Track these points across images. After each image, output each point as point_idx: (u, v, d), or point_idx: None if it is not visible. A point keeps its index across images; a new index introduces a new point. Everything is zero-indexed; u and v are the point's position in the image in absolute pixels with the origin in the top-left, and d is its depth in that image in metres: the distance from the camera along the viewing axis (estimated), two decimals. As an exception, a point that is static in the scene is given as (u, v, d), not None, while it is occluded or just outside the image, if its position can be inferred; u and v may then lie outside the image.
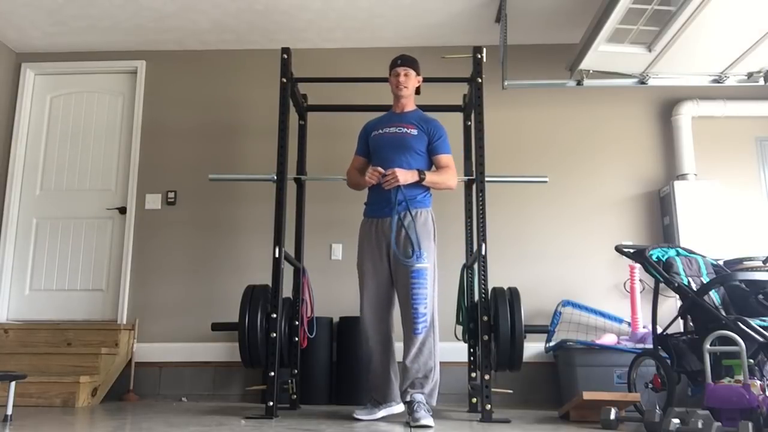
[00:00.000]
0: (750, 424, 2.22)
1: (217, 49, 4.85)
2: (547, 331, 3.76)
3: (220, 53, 4.86)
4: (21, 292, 4.61)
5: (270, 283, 3.27)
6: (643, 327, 4.05)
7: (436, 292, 3.08)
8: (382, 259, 3.08)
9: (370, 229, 3.13)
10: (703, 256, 3.36)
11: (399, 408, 3.06)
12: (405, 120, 3.21)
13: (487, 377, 3.02)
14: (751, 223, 4.44)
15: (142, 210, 4.61)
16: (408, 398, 2.89)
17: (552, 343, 4.09)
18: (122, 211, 4.64)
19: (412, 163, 3.11)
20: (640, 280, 4.18)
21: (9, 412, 2.90)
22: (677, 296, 3.21)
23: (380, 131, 3.22)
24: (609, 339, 4.00)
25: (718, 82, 4.12)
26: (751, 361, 2.73)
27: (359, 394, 3.83)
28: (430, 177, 3.09)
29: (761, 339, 2.69)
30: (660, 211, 4.48)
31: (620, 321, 4.24)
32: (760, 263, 3.81)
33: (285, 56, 3.52)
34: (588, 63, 3.92)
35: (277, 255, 3.23)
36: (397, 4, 4.27)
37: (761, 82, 4.06)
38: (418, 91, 3.31)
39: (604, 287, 4.37)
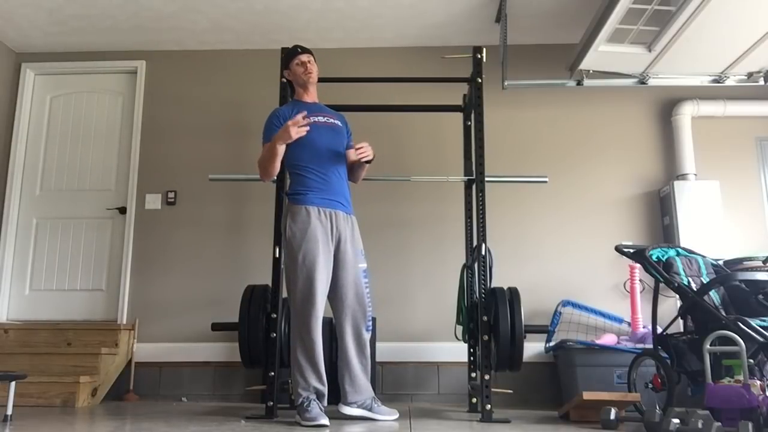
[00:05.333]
0: (750, 424, 2.22)
1: (217, 49, 4.85)
2: (547, 331, 3.76)
3: (219, 53, 4.86)
4: (21, 292, 4.61)
5: (270, 283, 3.27)
6: (643, 327, 4.05)
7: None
8: (330, 254, 2.98)
9: (319, 219, 2.96)
10: (703, 256, 3.36)
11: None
12: (325, 111, 3.21)
13: (487, 377, 3.02)
14: (751, 224, 4.44)
15: (142, 210, 4.60)
16: None
17: (552, 343, 4.09)
18: (122, 211, 4.64)
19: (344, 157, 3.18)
20: (640, 280, 4.18)
21: (9, 412, 2.90)
22: (677, 296, 3.21)
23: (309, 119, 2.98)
24: (609, 339, 4.00)
25: (718, 82, 4.12)
26: (751, 361, 2.73)
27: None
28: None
29: (761, 339, 2.69)
30: (660, 211, 4.48)
31: (620, 321, 4.24)
32: (760, 263, 3.81)
33: (284, 56, 3.51)
34: (588, 63, 3.92)
35: (277, 255, 3.23)
36: (396, 4, 4.27)
37: (761, 82, 4.06)
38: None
39: (604, 287, 4.37)
